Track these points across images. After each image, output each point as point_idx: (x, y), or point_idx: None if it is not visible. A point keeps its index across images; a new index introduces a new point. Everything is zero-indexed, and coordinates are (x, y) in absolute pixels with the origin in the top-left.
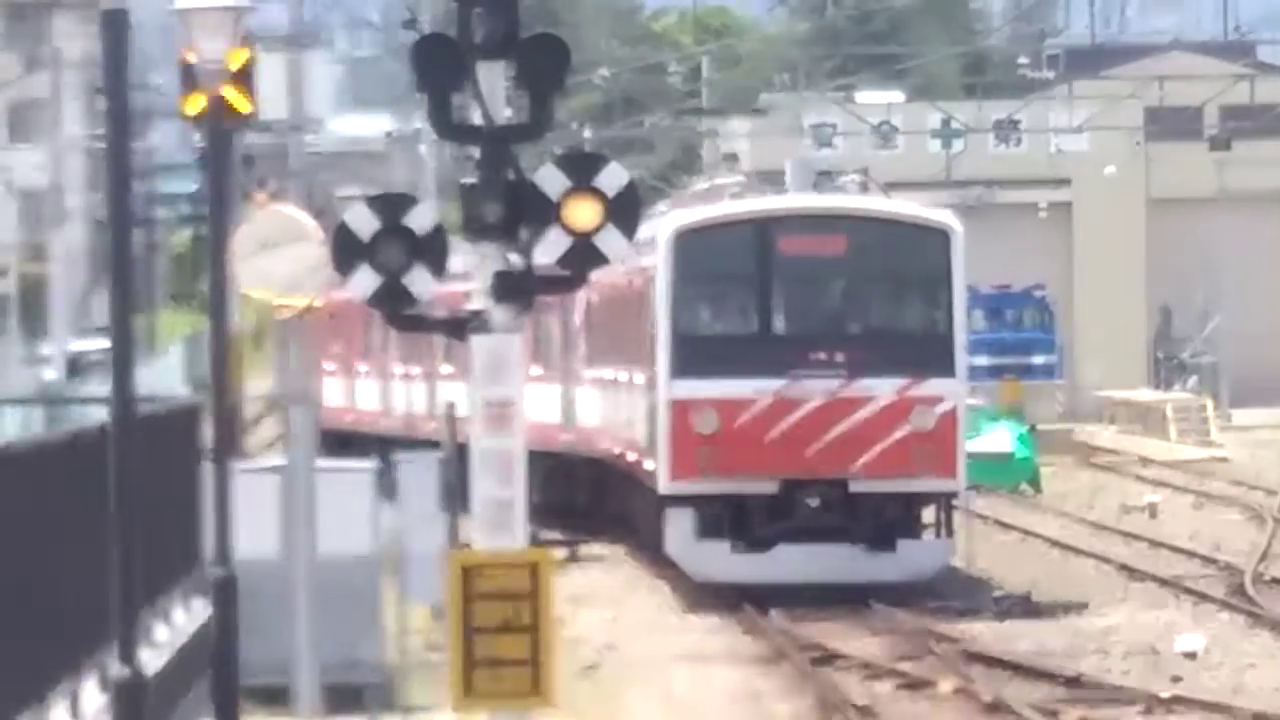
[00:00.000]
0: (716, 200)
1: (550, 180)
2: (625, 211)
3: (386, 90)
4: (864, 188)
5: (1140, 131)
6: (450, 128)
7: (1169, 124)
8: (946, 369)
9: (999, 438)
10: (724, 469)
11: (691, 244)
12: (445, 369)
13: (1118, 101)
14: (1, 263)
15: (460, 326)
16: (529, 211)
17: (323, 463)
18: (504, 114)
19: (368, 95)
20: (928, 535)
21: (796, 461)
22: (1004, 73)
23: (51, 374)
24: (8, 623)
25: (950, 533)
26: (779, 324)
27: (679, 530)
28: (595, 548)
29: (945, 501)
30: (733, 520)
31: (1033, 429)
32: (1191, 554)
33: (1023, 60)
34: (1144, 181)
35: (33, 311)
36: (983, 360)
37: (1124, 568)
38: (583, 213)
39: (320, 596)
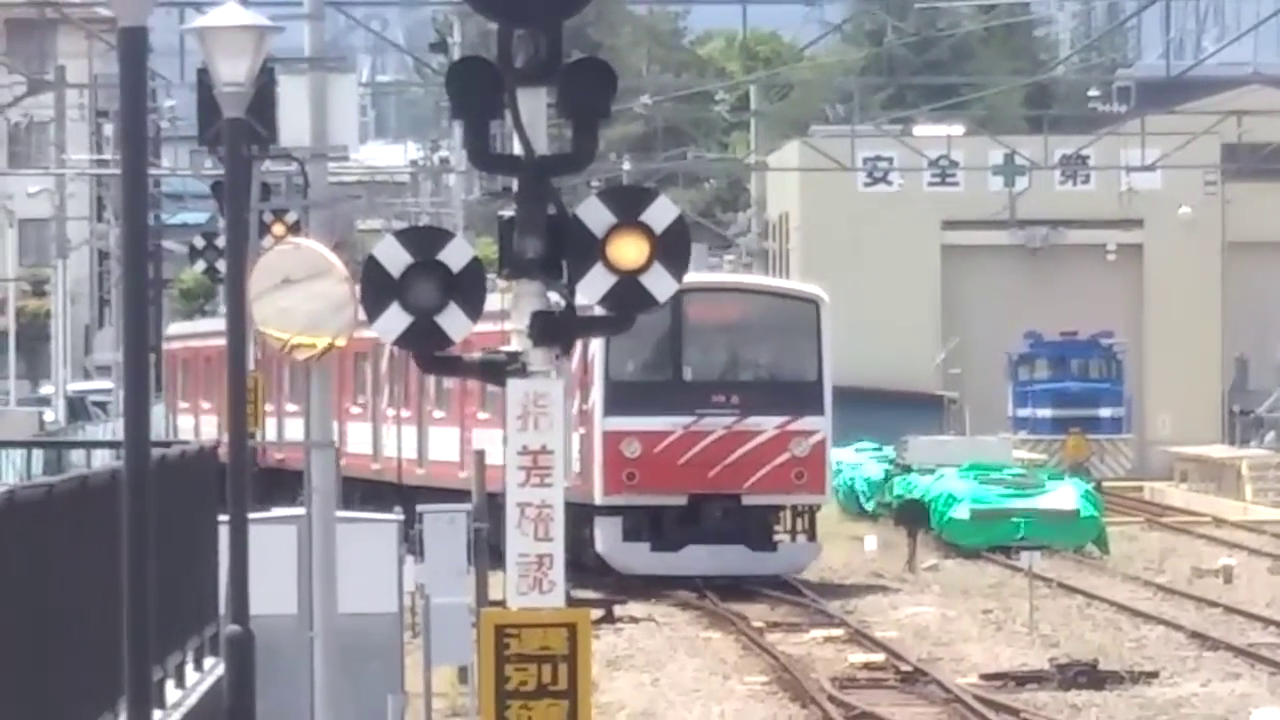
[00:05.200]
0: None
1: (594, 215)
2: (674, 249)
3: (411, 117)
4: (748, 267)
5: (1217, 170)
6: (488, 158)
7: (1248, 162)
8: (818, 409)
9: (1063, 495)
10: (644, 486)
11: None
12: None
13: (1193, 138)
14: (0, 297)
15: (497, 370)
16: (571, 248)
17: (344, 514)
18: (544, 144)
19: (391, 122)
20: (801, 539)
21: (701, 480)
22: (1072, 106)
23: (51, 415)
24: (11, 681)
25: (814, 537)
26: (687, 373)
27: (609, 535)
28: (633, 608)
29: (812, 512)
30: (651, 526)
31: (1099, 486)
32: (1269, 621)
33: (1092, 93)
34: (1220, 223)
35: (32, 348)
36: (1046, 412)
37: (1196, 635)
38: (628, 250)
39: (340, 656)
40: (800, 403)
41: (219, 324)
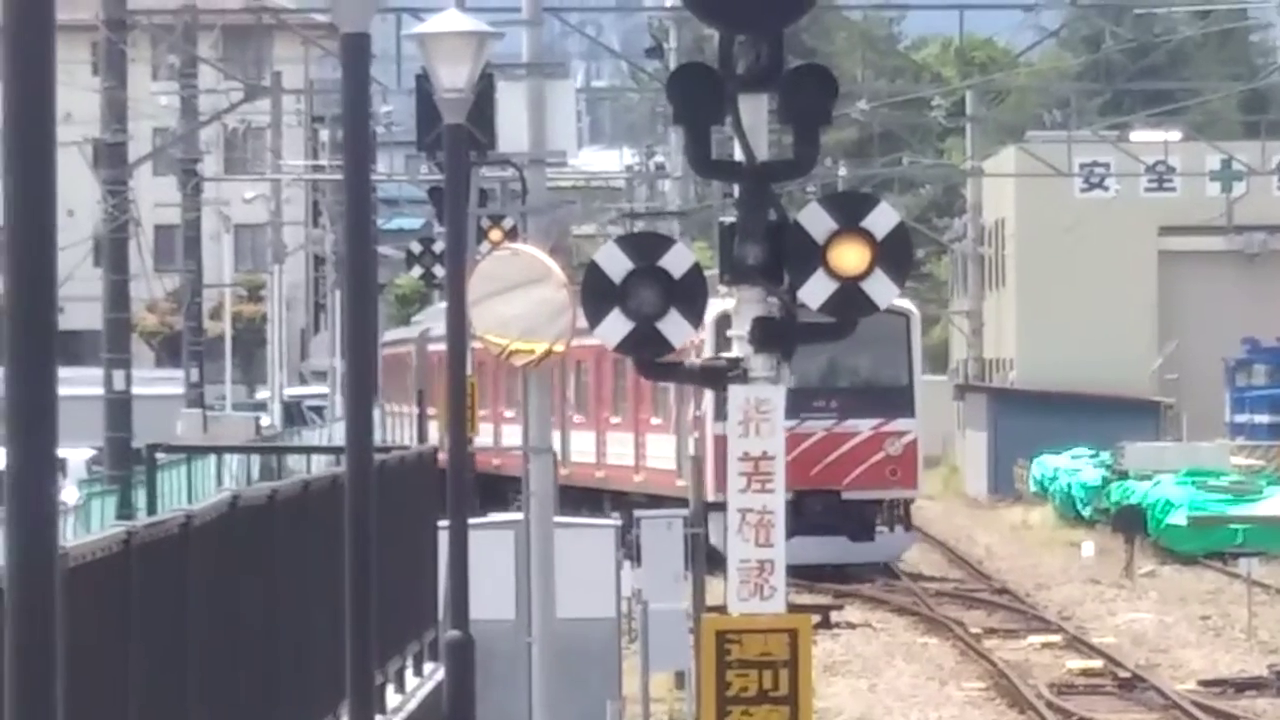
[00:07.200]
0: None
1: (815, 221)
2: (895, 255)
3: (625, 123)
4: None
5: None
6: (709, 164)
7: None
8: (909, 412)
9: None
10: None
11: (725, 323)
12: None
13: None
14: (217, 302)
15: (718, 376)
16: (792, 254)
17: (562, 519)
18: (765, 150)
19: (605, 127)
20: (898, 529)
21: (804, 477)
22: None
23: (267, 420)
24: (237, 683)
25: (909, 528)
26: (790, 380)
27: (721, 529)
28: (849, 613)
29: (906, 505)
30: None
31: None
32: None
33: None
34: None
35: (248, 353)
36: (1264, 418)
37: None
38: (850, 256)
39: (558, 661)
40: (893, 406)
41: (408, 331)
